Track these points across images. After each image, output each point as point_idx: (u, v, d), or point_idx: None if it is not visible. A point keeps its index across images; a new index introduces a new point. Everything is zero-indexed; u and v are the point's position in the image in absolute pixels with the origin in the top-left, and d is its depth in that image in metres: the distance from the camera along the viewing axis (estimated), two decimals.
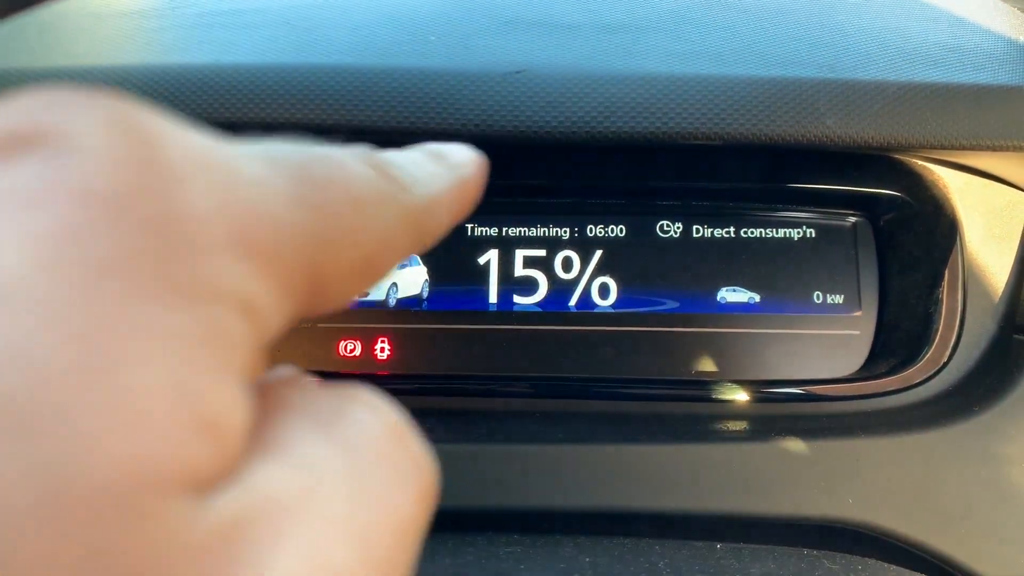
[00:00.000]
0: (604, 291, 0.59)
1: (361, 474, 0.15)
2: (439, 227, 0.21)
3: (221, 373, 0.13)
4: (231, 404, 0.13)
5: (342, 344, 0.60)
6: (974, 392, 0.53)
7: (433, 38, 0.52)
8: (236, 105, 0.48)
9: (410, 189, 0.19)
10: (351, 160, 0.17)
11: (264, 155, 0.15)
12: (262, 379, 0.17)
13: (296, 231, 0.15)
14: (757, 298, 0.58)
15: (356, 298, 0.15)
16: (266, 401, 0.16)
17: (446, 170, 0.21)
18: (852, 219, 0.59)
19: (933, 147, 0.47)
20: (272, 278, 0.14)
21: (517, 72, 0.47)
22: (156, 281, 0.12)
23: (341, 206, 0.16)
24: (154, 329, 0.12)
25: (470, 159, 0.23)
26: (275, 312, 0.15)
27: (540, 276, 0.60)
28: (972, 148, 0.47)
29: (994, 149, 0.46)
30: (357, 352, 0.60)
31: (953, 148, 0.47)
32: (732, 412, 0.56)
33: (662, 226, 0.60)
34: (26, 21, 0.48)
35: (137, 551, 0.11)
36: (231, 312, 0.13)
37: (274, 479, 0.14)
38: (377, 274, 0.18)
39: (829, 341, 0.57)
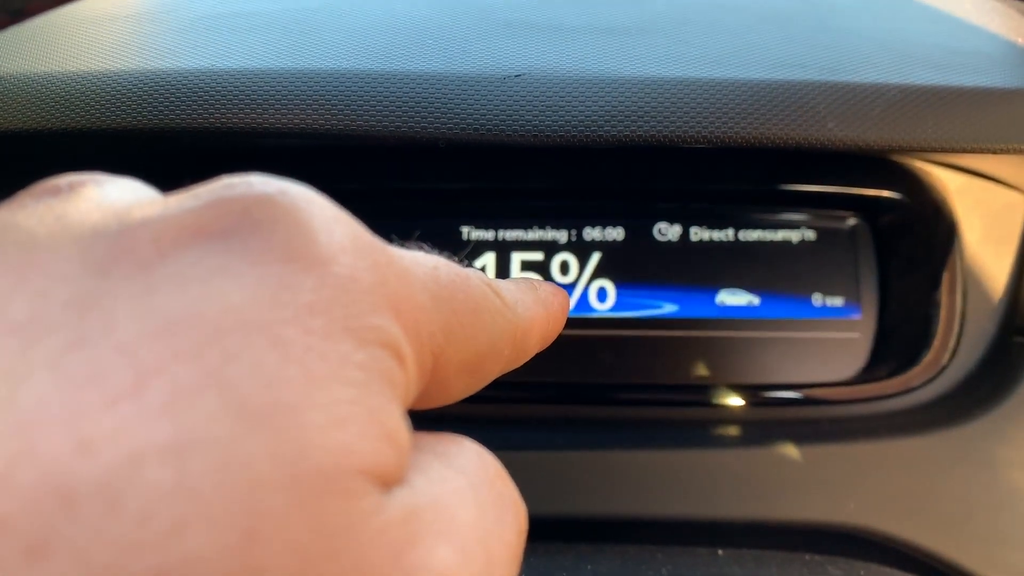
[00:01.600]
0: (602, 295, 0.59)
1: (479, 495, 0.19)
2: (533, 347, 0.25)
3: (392, 400, 0.17)
4: (401, 424, 0.17)
5: None
6: (974, 395, 0.53)
7: (431, 42, 0.51)
8: (233, 110, 0.47)
9: (514, 309, 0.23)
10: (473, 275, 0.22)
11: (408, 253, 0.20)
12: None
13: (430, 316, 0.19)
14: (756, 301, 0.58)
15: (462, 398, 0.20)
16: None
17: (539, 300, 0.26)
18: (851, 221, 0.58)
19: (934, 149, 0.46)
20: (414, 343, 0.18)
21: (516, 76, 0.47)
22: (346, 323, 0.16)
23: (464, 307, 0.21)
24: (349, 358, 0.16)
25: (557, 294, 0.29)
26: (415, 373, 0.19)
27: (537, 280, 0.59)
28: (973, 151, 0.47)
29: (995, 152, 0.46)
30: None
31: (954, 151, 0.47)
32: (732, 416, 0.56)
33: (660, 229, 0.59)
34: (21, 25, 0.47)
35: (344, 522, 0.14)
36: (392, 358, 0.17)
37: (433, 484, 0.17)
38: (483, 378, 0.22)
39: (829, 344, 0.57)
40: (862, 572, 0.47)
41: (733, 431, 0.54)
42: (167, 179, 0.61)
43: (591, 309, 0.59)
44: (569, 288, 0.59)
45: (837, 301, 0.58)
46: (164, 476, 0.13)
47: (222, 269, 0.15)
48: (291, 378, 0.14)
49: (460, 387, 0.22)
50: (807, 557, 0.48)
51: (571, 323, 0.59)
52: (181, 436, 0.13)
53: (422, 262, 0.20)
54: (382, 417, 0.16)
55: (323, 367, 0.15)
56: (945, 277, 0.55)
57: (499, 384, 0.57)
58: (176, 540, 0.12)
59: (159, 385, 0.13)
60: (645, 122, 0.46)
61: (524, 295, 0.25)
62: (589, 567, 0.46)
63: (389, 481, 0.16)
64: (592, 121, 0.46)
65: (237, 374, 0.14)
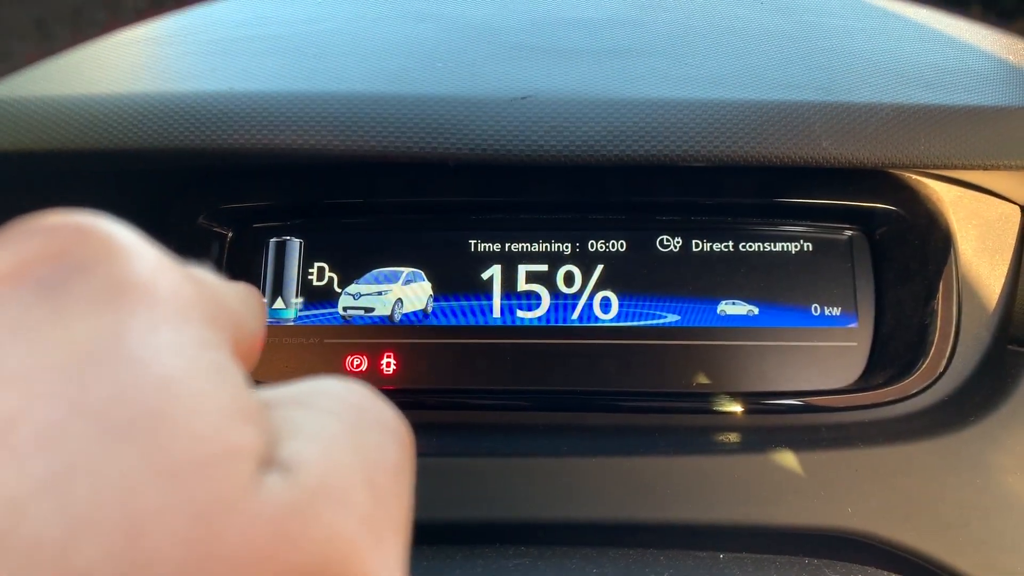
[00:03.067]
0: (606, 305, 0.60)
1: (353, 431, 0.20)
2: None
3: (237, 384, 0.18)
4: (252, 401, 0.18)
5: (349, 359, 0.61)
6: (970, 402, 0.54)
7: (440, 65, 0.53)
8: (249, 132, 0.49)
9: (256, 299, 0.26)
10: (226, 285, 0.24)
11: (192, 273, 0.21)
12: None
13: (226, 313, 0.21)
14: (756, 311, 0.59)
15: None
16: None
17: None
18: (848, 233, 0.60)
19: (926, 166, 0.48)
20: (227, 336, 0.20)
21: (523, 98, 0.49)
22: (183, 332, 0.18)
23: (234, 304, 0.23)
24: (195, 360, 0.18)
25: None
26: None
27: (543, 290, 0.61)
28: (965, 167, 0.48)
29: (986, 168, 0.48)
30: (363, 367, 0.60)
31: (946, 167, 0.48)
32: (732, 424, 0.57)
33: (662, 240, 0.61)
34: None
35: (223, 503, 0.16)
36: (223, 350, 0.19)
37: (309, 443, 0.19)
38: (252, 363, 0.24)
39: (827, 353, 0.58)
40: None
41: (733, 437, 0.55)
42: (172, 193, 0.62)
43: (595, 319, 0.60)
44: (574, 298, 0.60)
45: (835, 311, 0.59)
46: (45, 508, 0.14)
47: (59, 312, 0.17)
48: (148, 390, 0.16)
49: (244, 368, 0.23)
50: (806, 561, 0.49)
51: (575, 332, 0.60)
52: (56, 467, 0.15)
53: (199, 271, 0.22)
54: (235, 402, 0.17)
55: (174, 373, 0.17)
56: (941, 287, 0.56)
57: (505, 392, 0.59)
58: (66, 560, 0.14)
59: (26, 427, 0.15)
60: (647, 141, 0.47)
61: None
62: (594, 570, 0.47)
63: (261, 456, 0.17)
64: (596, 141, 0.47)
65: (97, 399, 0.16)
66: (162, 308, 0.18)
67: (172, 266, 0.20)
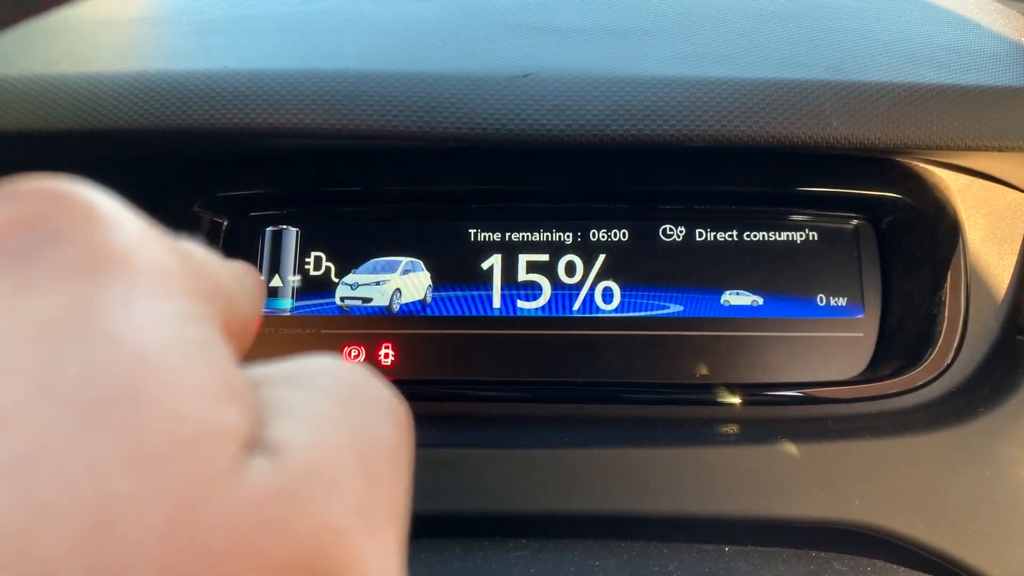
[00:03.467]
0: (607, 295, 0.59)
1: (346, 410, 0.19)
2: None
3: (222, 361, 0.17)
4: (238, 378, 0.17)
5: (346, 350, 0.60)
6: (978, 393, 0.54)
7: (439, 43, 0.52)
8: (244, 111, 0.48)
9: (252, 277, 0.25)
10: (219, 256, 0.23)
11: (179, 246, 0.20)
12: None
13: (216, 287, 0.20)
14: (761, 301, 0.58)
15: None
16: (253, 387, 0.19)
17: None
18: (854, 222, 0.59)
19: (938, 148, 0.47)
20: (214, 311, 0.19)
21: (524, 76, 0.48)
22: (163, 306, 0.17)
23: (229, 278, 0.22)
24: (176, 336, 0.16)
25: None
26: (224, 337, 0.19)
27: (543, 281, 0.60)
28: (977, 149, 0.47)
29: (999, 149, 0.47)
30: (361, 358, 0.59)
31: (958, 149, 0.47)
32: (737, 415, 0.56)
33: (665, 230, 0.60)
34: (32, 27, 0.48)
35: (204, 490, 0.14)
36: (208, 325, 0.18)
37: (300, 424, 0.17)
38: (246, 342, 0.23)
39: (833, 344, 0.58)
40: (868, 569, 0.48)
41: (738, 429, 0.54)
42: (167, 180, 0.61)
43: (597, 309, 0.59)
44: (575, 289, 0.59)
45: (841, 301, 0.58)
46: (4, 494, 0.13)
47: (28, 284, 0.15)
48: (122, 367, 0.15)
49: (237, 350, 0.22)
50: (813, 554, 0.48)
51: (577, 323, 0.59)
52: (18, 450, 0.14)
53: (189, 244, 0.21)
54: (218, 379, 0.16)
55: (151, 348, 0.15)
56: (948, 277, 0.56)
57: (505, 383, 0.58)
58: (25, 552, 0.13)
59: None
60: (652, 121, 0.46)
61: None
62: (597, 563, 0.46)
63: (246, 437, 0.16)
64: (600, 120, 0.46)
65: (65, 376, 0.14)
66: (142, 280, 0.17)
67: (156, 237, 0.19)
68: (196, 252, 0.21)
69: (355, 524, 0.16)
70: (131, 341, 0.15)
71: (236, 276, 0.23)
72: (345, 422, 0.18)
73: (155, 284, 0.17)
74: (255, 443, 0.16)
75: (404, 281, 0.60)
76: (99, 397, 0.14)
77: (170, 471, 0.14)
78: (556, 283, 0.60)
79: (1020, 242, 0.56)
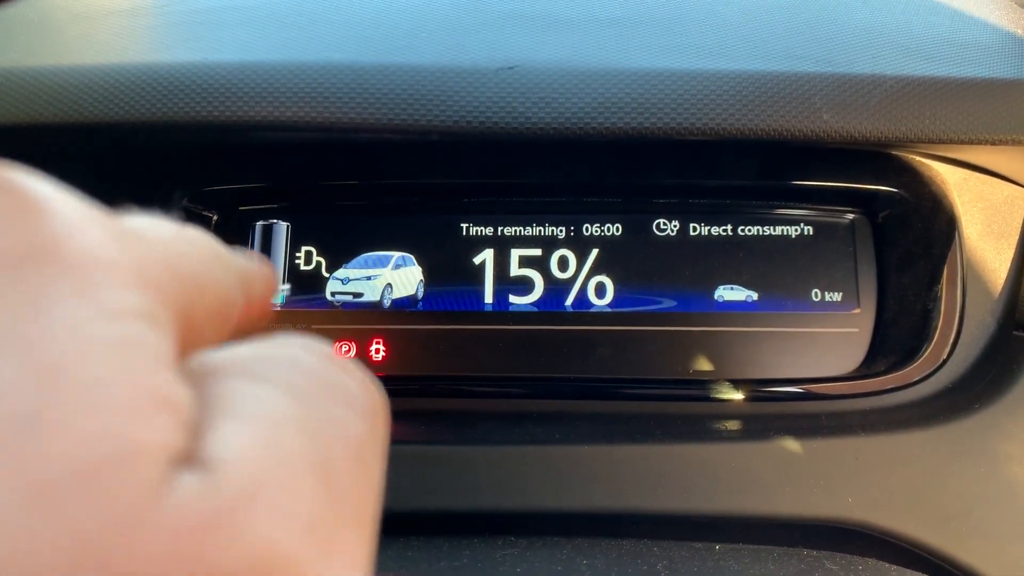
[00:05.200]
0: (601, 290, 0.59)
1: (306, 407, 0.17)
2: (258, 295, 0.24)
3: (156, 365, 0.15)
4: (173, 385, 0.15)
5: (337, 346, 0.59)
6: (974, 389, 0.53)
7: (424, 34, 0.51)
8: (226, 103, 0.47)
9: (235, 259, 0.22)
10: (193, 230, 0.21)
11: (134, 218, 0.19)
12: (197, 366, 0.18)
13: (171, 272, 0.18)
14: (755, 296, 0.58)
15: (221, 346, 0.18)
16: (204, 380, 0.17)
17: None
18: (850, 216, 0.58)
19: (931, 141, 0.46)
20: (163, 302, 0.17)
21: (510, 68, 0.47)
22: (92, 304, 0.15)
23: (196, 259, 0.20)
24: (99, 340, 0.14)
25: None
26: (170, 331, 0.17)
27: (536, 276, 0.59)
28: (970, 142, 0.46)
29: (993, 143, 0.46)
30: (352, 353, 0.59)
31: (951, 142, 0.47)
32: (730, 411, 0.56)
33: (658, 224, 0.59)
34: (13, 19, 0.47)
35: (129, 511, 0.13)
36: (145, 323, 0.16)
37: (244, 427, 0.16)
38: (227, 326, 0.21)
39: (828, 339, 0.57)
40: (860, 567, 0.47)
41: (731, 426, 0.54)
42: (155, 175, 0.61)
43: (590, 305, 0.59)
44: (568, 284, 0.59)
45: (836, 296, 0.57)
46: None
47: None
48: (22, 384, 0.13)
49: (212, 335, 0.20)
50: (805, 552, 0.48)
51: (569, 319, 0.59)
52: None
53: (149, 224, 0.19)
54: (142, 387, 0.14)
55: (61, 359, 0.14)
56: (944, 272, 0.55)
57: (497, 379, 0.58)
58: None
59: None
60: (640, 114, 0.46)
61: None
62: (584, 562, 0.46)
63: (176, 451, 0.14)
64: (587, 113, 0.46)
65: None
66: (66, 274, 0.15)
67: (98, 222, 0.17)
68: (151, 234, 0.19)
69: (306, 547, 0.15)
70: (37, 350, 0.13)
71: (207, 255, 0.20)
72: (303, 420, 0.17)
73: (80, 278, 0.15)
74: (188, 457, 0.15)
75: (395, 276, 0.60)
76: (9, 416, 0.13)
77: (74, 503, 0.13)
78: (549, 278, 0.59)
79: (1017, 237, 0.56)
